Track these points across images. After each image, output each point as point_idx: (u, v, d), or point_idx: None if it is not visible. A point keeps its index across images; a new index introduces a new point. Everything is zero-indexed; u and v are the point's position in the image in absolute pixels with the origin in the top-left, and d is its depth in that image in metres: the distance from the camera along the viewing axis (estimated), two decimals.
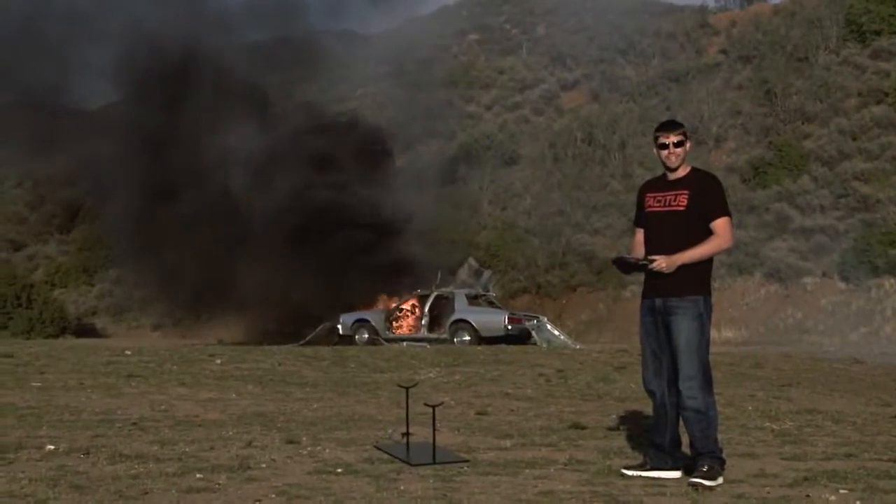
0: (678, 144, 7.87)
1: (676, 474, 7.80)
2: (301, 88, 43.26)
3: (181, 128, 38.05)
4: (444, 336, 30.85)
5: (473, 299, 32.43)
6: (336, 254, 36.21)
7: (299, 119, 40.32)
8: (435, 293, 32.46)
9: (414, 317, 32.79)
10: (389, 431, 10.48)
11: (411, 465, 8.28)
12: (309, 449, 9.21)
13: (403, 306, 33.19)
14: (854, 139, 47.60)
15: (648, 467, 7.90)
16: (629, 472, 7.89)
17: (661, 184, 8.04)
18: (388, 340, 31.48)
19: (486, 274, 37.60)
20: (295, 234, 37.12)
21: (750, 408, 13.75)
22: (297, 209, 37.27)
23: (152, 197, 38.17)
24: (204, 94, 38.55)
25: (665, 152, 7.92)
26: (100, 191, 45.57)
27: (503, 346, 27.02)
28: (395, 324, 32.80)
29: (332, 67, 47.67)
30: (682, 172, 7.91)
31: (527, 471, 8.12)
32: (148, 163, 38.27)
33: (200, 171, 37.72)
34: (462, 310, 31.36)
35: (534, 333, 30.81)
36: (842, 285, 41.54)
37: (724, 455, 7.76)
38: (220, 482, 7.50)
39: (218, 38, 40.77)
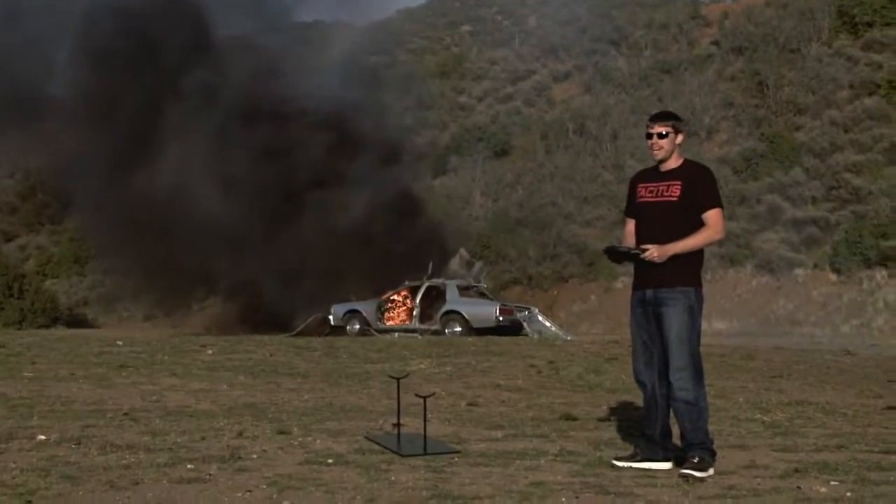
0: (663, 136, 7.88)
1: (667, 465, 7.82)
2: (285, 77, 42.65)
3: (145, 105, 37.69)
4: (436, 327, 30.81)
5: (465, 290, 32.39)
6: (315, 243, 36.14)
7: (273, 103, 39.76)
8: (426, 284, 32.44)
9: (405, 308, 32.76)
10: (380, 422, 10.50)
11: (402, 455, 8.30)
12: (300, 439, 9.23)
13: (395, 297, 33.16)
14: (846, 131, 47.57)
15: (639, 458, 7.92)
16: (620, 464, 7.92)
17: (653, 174, 8.06)
18: (380, 331, 31.45)
19: (478, 265, 37.54)
20: (269, 221, 37.01)
21: (741, 399, 13.78)
22: (273, 195, 37.13)
23: (118, 179, 37.95)
24: (170, 69, 38.29)
25: (650, 142, 7.95)
26: (71, 178, 45.30)
27: (494, 337, 26.94)
28: (386, 314, 32.77)
29: (316, 57, 47.18)
30: (674, 163, 7.93)
31: (517, 462, 8.14)
32: (111, 143, 38.00)
33: (162, 151, 37.34)
34: (453, 301, 31.33)
35: (525, 325, 30.77)
36: (833, 277, 41.56)
37: (714, 446, 7.79)
38: (211, 472, 7.52)
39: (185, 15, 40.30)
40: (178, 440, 9.12)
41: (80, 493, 6.81)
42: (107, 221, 40.43)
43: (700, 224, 7.74)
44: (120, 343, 21.69)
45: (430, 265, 33.25)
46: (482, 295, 33.20)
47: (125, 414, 11.04)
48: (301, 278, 35.55)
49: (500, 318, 30.18)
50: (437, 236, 38.39)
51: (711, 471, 7.49)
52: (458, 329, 30.30)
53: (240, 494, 6.81)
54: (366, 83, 43.87)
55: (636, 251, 7.79)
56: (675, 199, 7.78)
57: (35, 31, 41.48)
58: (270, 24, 47.37)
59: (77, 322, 49.47)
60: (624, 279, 40.66)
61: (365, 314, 32.52)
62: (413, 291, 32.62)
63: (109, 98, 37.87)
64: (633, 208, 8.13)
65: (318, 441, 9.15)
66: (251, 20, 45.06)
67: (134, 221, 37.79)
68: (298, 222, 36.86)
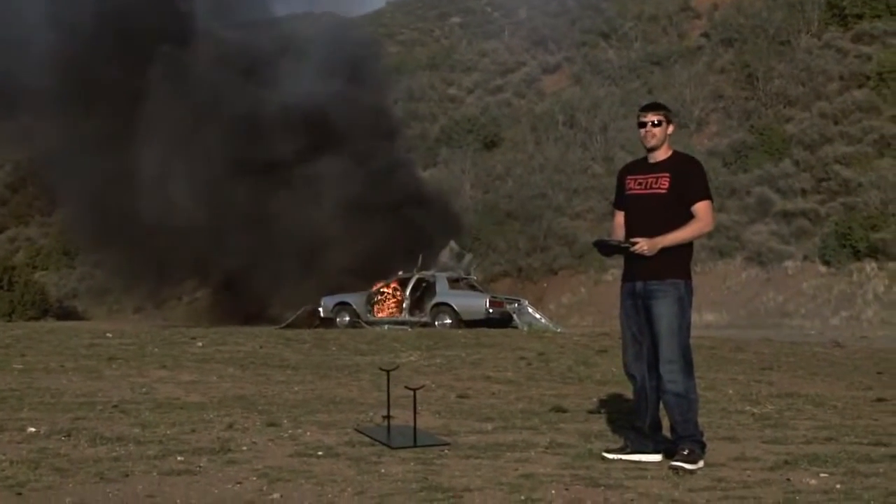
0: (656, 125, 7.87)
1: (657, 458, 7.81)
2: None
3: (122, 97, 37.38)
4: (426, 319, 30.78)
5: (455, 282, 32.35)
6: (301, 235, 36.10)
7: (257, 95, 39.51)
8: (416, 276, 32.40)
9: (395, 300, 32.70)
10: (370, 414, 10.48)
11: (392, 448, 8.29)
12: (290, 432, 9.22)
13: (384, 289, 33.10)
14: (835, 123, 47.65)
15: (629, 451, 7.91)
16: (610, 456, 7.91)
17: (642, 166, 8.04)
18: (369, 323, 31.42)
19: (468, 257, 37.50)
20: (251, 212, 36.91)
21: (731, 391, 13.79)
22: (256, 188, 37.06)
23: (96, 170, 37.81)
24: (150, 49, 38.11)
25: (643, 131, 7.94)
26: (51, 169, 45.23)
27: (484, 329, 26.88)
28: (376, 307, 32.72)
29: (301, 48, 46.92)
30: (663, 155, 7.91)
31: (508, 454, 8.13)
32: (88, 134, 37.80)
33: (139, 142, 37.08)
34: (443, 293, 31.29)
35: (515, 317, 30.72)
36: (823, 269, 41.61)
37: (704, 439, 7.77)
38: (201, 465, 7.52)
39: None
40: (168, 432, 9.11)
41: (70, 485, 6.80)
42: (87, 213, 40.33)
43: (689, 216, 7.73)
44: (109, 335, 21.67)
45: (420, 257, 33.20)
46: (472, 287, 33.15)
47: (115, 406, 11.02)
48: (286, 270, 35.53)
49: (490, 311, 30.13)
50: (427, 228, 38.26)
51: (701, 463, 7.49)
52: (448, 321, 30.25)
53: (229, 486, 6.81)
54: (352, 73, 43.67)
55: (626, 245, 7.77)
56: (663, 191, 7.77)
57: (13, 20, 41.25)
58: (254, 14, 47.21)
59: (67, 314, 49.47)
60: (614, 271, 40.68)
61: (355, 306, 32.47)
62: (403, 283, 32.55)
63: (86, 88, 37.69)
64: (622, 201, 8.12)
65: (308, 433, 9.14)
66: (233, 10, 44.85)
67: (113, 213, 37.70)
68: (283, 213, 36.82)
